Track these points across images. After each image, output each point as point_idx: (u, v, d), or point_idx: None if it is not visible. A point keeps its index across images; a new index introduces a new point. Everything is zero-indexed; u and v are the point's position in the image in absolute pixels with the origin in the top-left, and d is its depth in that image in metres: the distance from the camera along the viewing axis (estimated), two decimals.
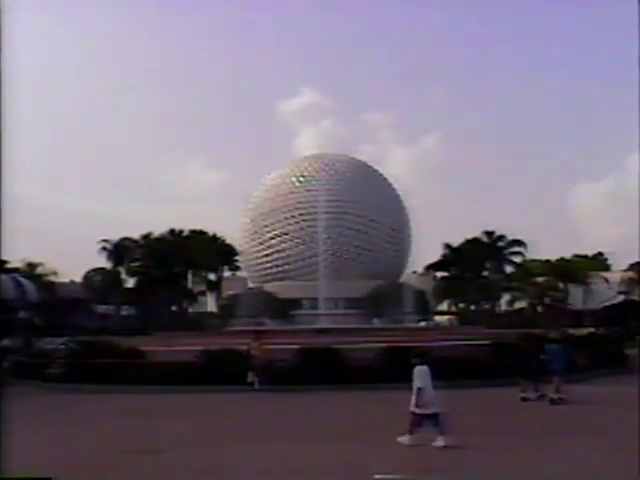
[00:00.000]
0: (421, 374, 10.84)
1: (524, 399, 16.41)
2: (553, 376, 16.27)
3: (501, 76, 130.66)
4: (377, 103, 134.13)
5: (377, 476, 8.68)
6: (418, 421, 10.68)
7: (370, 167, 78.77)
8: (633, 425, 10.82)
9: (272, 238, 72.35)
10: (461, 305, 78.57)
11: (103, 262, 68.28)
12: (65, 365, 21.79)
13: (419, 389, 10.69)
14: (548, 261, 73.68)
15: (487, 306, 70.76)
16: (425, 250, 74.80)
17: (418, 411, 10.67)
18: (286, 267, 71.26)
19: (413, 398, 10.79)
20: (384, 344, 21.18)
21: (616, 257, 77.06)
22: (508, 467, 9.47)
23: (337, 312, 39.65)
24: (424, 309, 64.03)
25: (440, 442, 10.36)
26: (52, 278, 61.34)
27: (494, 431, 12.46)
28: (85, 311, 64.94)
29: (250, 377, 19.03)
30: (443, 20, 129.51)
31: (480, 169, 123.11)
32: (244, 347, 19.98)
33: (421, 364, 10.99)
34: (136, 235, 69.91)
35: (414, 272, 79.02)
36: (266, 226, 72.91)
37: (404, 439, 10.63)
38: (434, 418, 10.57)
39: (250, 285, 76.04)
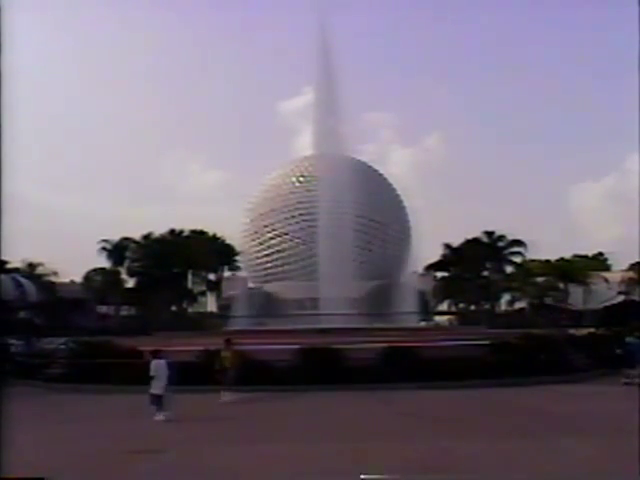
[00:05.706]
0: (156, 366, 14.62)
1: (627, 384, 19.24)
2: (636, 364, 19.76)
3: (502, 76, 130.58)
4: (377, 103, 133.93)
5: (376, 476, 8.68)
6: (156, 400, 14.27)
7: (370, 167, 78.74)
8: (633, 425, 10.81)
9: (272, 238, 72.36)
10: (461, 305, 78.46)
11: (103, 262, 68.26)
12: (65, 365, 21.80)
13: (151, 377, 14.42)
14: (548, 261, 73.54)
15: (487, 306, 70.66)
16: (425, 250, 74.55)
17: (152, 392, 14.32)
18: (286, 267, 71.23)
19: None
20: (384, 344, 21.18)
21: (616, 257, 76.93)
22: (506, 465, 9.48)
23: (337, 312, 39.43)
24: (424, 309, 63.93)
25: (160, 417, 13.92)
26: (52, 278, 61.32)
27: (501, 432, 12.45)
28: (85, 311, 64.89)
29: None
30: (444, 20, 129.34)
31: (481, 169, 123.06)
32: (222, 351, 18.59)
33: (158, 358, 14.86)
34: (136, 235, 69.84)
35: (414, 272, 78.87)
36: (266, 226, 72.92)
37: (159, 417, 13.93)
38: (159, 398, 14.25)
39: (250, 285, 75.96)
